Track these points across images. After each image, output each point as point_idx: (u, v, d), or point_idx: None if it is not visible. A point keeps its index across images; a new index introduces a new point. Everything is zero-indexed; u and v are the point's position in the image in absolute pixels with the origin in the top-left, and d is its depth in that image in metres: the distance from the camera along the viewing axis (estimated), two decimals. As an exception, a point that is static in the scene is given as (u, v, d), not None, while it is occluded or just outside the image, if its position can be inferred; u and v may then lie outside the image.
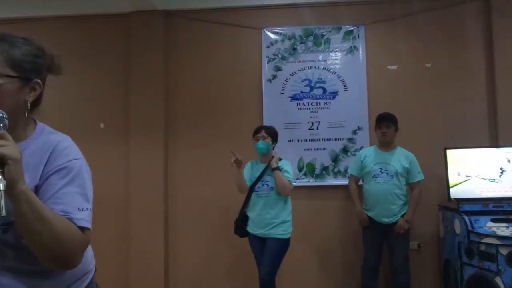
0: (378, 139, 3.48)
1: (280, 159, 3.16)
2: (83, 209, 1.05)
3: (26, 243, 0.99)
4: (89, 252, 1.23)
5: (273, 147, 3.20)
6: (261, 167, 3.15)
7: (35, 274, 1.07)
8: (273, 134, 3.17)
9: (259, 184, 3.12)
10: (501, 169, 3.37)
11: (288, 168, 3.11)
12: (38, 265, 1.03)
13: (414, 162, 3.37)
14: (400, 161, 3.34)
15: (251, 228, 3.16)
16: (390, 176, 3.31)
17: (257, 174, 3.14)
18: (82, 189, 1.08)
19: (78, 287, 1.18)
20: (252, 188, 3.14)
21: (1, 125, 0.95)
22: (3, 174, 0.86)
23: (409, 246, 3.45)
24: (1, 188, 0.84)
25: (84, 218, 1.04)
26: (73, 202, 1.04)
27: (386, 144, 3.42)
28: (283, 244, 3.06)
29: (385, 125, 3.37)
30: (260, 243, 3.11)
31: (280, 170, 3.03)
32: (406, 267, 3.34)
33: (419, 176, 3.37)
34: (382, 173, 3.34)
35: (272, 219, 3.05)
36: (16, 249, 1.03)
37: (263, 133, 3.13)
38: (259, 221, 3.09)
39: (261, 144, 3.10)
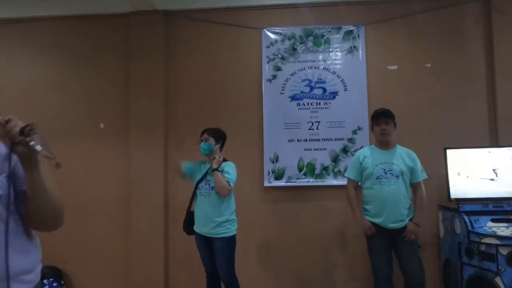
0: (376, 138, 3.23)
1: (225, 160, 3.21)
2: None
3: (31, 207, 1.16)
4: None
5: (219, 148, 3.26)
6: (207, 166, 3.21)
7: (21, 246, 1.18)
8: (216, 135, 3.22)
9: (202, 183, 3.18)
10: (494, 170, 3.38)
11: (229, 169, 3.14)
12: (23, 237, 1.19)
13: (416, 160, 3.16)
14: (404, 159, 3.11)
15: (196, 227, 3.22)
16: (396, 176, 3.05)
17: (202, 174, 3.21)
18: None
19: (39, 268, 1.28)
20: (197, 186, 3.21)
21: None
22: (32, 141, 1.07)
23: (419, 250, 3.23)
24: (39, 149, 1.07)
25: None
26: None
27: (385, 143, 3.16)
28: (230, 242, 3.14)
29: (384, 122, 3.10)
30: (205, 242, 3.18)
31: (219, 171, 3.08)
32: (422, 276, 3.02)
33: (422, 175, 3.15)
34: (386, 174, 3.06)
35: (215, 218, 3.10)
36: (3, 222, 1.13)
37: (205, 135, 3.22)
38: (203, 219, 3.16)
39: (202, 144, 3.19)
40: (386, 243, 3.11)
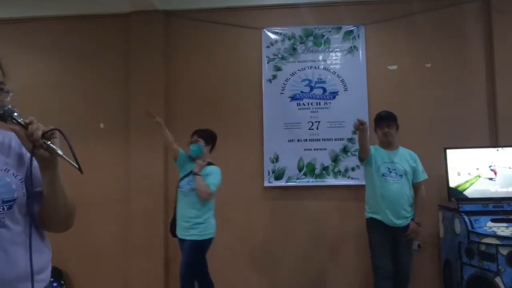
0: (379, 139, 3.29)
1: (210, 164, 3.17)
2: None
3: (46, 208, 1.17)
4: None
5: (209, 150, 3.25)
6: (193, 165, 3.18)
7: (35, 248, 1.16)
8: (206, 137, 3.21)
9: (184, 181, 3.16)
10: (492, 169, 3.38)
11: (212, 173, 3.10)
12: (37, 239, 1.19)
13: (418, 161, 3.25)
14: (407, 160, 3.20)
15: (177, 230, 3.21)
16: (400, 175, 3.14)
17: (187, 172, 3.19)
18: None
19: (50, 267, 1.28)
20: (178, 184, 3.21)
21: (16, 114, 1.10)
22: (50, 144, 1.07)
23: (412, 250, 3.33)
24: (61, 153, 1.08)
25: None
26: None
27: (388, 144, 3.24)
28: (199, 245, 3.09)
29: (386, 125, 3.20)
30: (182, 244, 3.18)
31: (200, 175, 3.05)
32: (409, 274, 3.22)
33: (423, 176, 3.24)
34: (390, 172, 3.14)
35: (190, 218, 3.08)
36: (18, 224, 1.13)
37: (195, 136, 3.20)
38: (180, 219, 3.15)
39: (192, 146, 3.17)
40: (388, 241, 3.17)
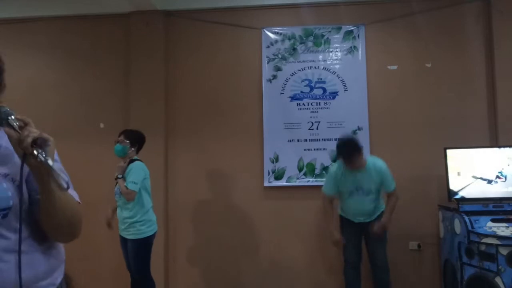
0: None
1: (133, 161, 3.15)
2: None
3: (46, 219, 1.10)
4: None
5: (135, 151, 3.23)
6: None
7: (35, 255, 1.13)
8: (132, 138, 3.19)
9: (116, 187, 3.18)
10: (500, 171, 3.37)
11: (132, 172, 3.07)
12: (37, 246, 1.14)
13: (385, 174, 3.20)
14: (372, 178, 3.20)
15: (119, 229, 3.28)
16: (366, 194, 3.24)
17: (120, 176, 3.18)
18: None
19: (60, 271, 1.27)
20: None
21: (13, 117, 1.03)
22: (43, 153, 0.99)
23: (386, 242, 3.34)
24: (51, 164, 0.99)
25: (76, 194, 1.21)
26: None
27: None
28: (141, 244, 3.13)
29: (348, 162, 3.14)
30: (123, 242, 3.24)
31: (120, 178, 3.07)
32: (387, 265, 3.32)
33: (392, 186, 3.24)
34: (358, 191, 3.25)
35: (126, 219, 3.13)
36: (16, 232, 1.09)
37: (122, 137, 3.19)
38: (119, 220, 3.20)
39: (116, 146, 3.17)
40: (356, 233, 3.36)
